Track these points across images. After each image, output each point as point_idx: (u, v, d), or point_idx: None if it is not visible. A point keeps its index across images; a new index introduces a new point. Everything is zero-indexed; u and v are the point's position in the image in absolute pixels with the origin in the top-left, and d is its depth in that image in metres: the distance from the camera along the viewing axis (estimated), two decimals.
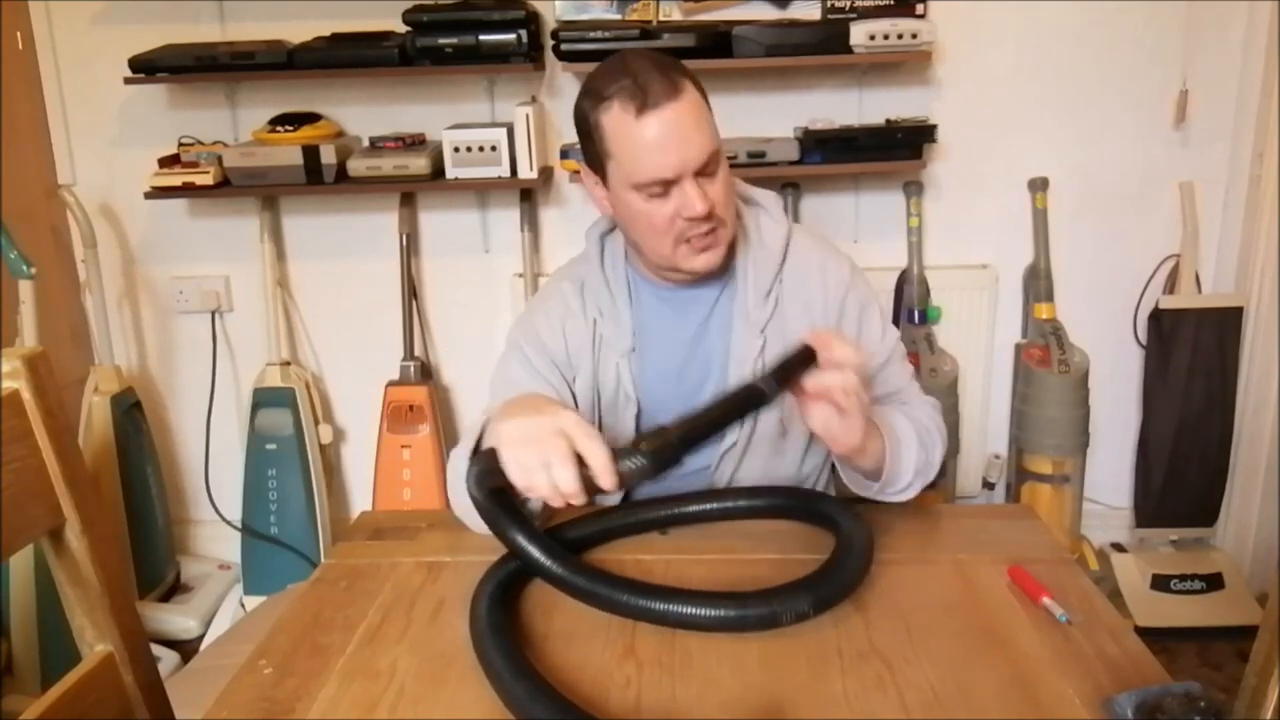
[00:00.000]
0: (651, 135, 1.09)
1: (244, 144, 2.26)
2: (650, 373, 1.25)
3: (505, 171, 2.21)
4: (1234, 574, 2.27)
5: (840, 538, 1.04)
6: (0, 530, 0.78)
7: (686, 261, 1.16)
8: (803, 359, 1.01)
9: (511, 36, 2.09)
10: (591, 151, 1.16)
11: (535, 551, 0.96)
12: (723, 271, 1.23)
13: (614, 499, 0.92)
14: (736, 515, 1.16)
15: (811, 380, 0.99)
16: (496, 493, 0.98)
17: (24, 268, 2.04)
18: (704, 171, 1.11)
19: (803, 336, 1.02)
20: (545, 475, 0.87)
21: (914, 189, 2.29)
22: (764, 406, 0.98)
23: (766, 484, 1.24)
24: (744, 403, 0.97)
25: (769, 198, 1.28)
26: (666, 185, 1.11)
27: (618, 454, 0.87)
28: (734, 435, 1.23)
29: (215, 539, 2.58)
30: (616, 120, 1.10)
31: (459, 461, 1.06)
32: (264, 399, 2.39)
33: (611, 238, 1.28)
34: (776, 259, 1.24)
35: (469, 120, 2.30)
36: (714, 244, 1.16)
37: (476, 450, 1.01)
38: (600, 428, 1.25)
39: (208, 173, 2.20)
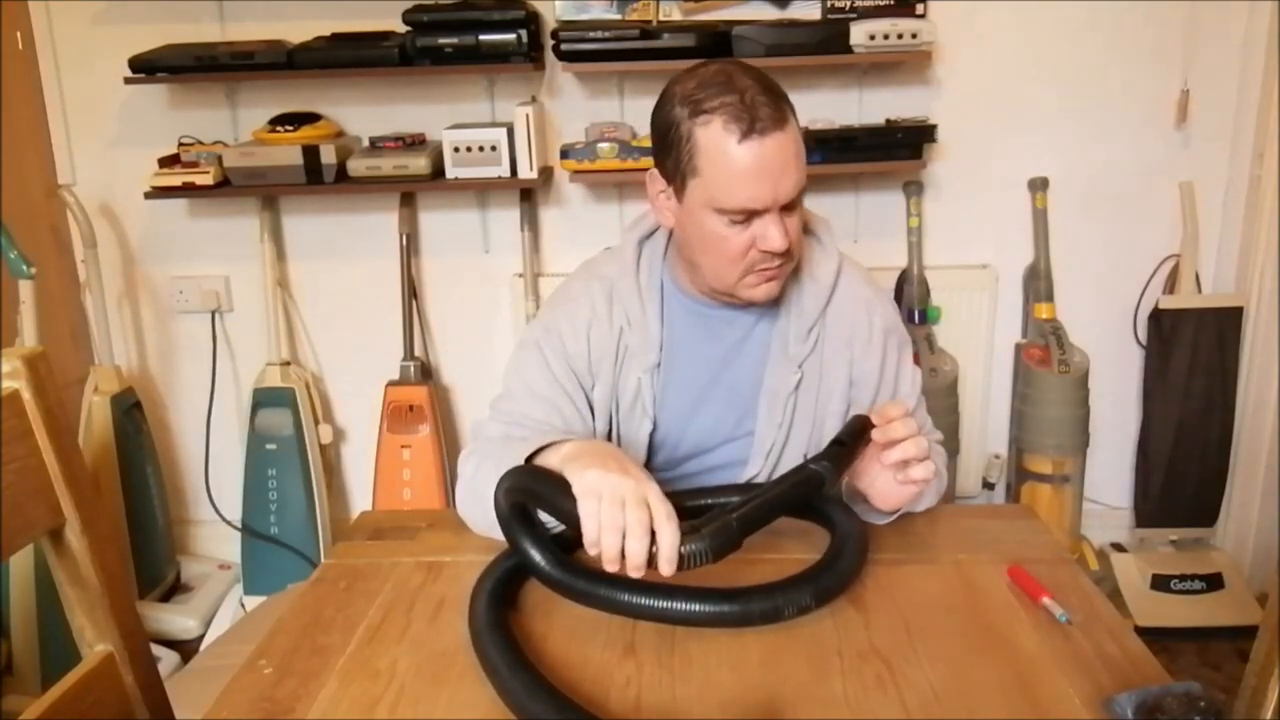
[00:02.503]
0: (750, 163, 1.04)
1: (244, 144, 2.26)
2: (673, 389, 1.22)
3: (505, 171, 2.21)
4: (1234, 574, 2.27)
5: (835, 533, 1.05)
6: (0, 530, 0.78)
7: (746, 291, 1.13)
8: (856, 435, 1.03)
9: (511, 36, 2.09)
10: (671, 161, 1.09)
11: (539, 557, 0.96)
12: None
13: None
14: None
15: (892, 455, 1.02)
16: (518, 506, 0.98)
17: (24, 268, 2.04)
18: (787, 205, 1.08)
19: (861, 413, 1.06)
20: (617, 540, 0.86)
21: (914, 189, 2.29)
22: (821, 490, 1.00)
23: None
24: (802, 487, 0.99)
25: (823, 225, 1.24)
26: (750, 215, 1.07)
27: (682, 535, 0.86)
28: (772, 437, 1.21)
29: (215, 539, 2.58)
30: (715, 139, 1.04)
31: (486, 468, 1.05)
32: (264, 399, 2.39)
33: (650, 243, 1.23)
34: (825, 294, 1.20)
35: (469, 120, 2.29)
36: (778, 277, 1.13)
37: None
38: (620, 439, 1.22)
39: (208, 173, 2.20)
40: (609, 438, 1.23)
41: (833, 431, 1.12)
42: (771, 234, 1.07)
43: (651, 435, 1.22)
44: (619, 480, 0.89)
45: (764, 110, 1.03)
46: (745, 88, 1.05)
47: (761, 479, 1.21)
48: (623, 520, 0.86)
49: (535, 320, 1.27)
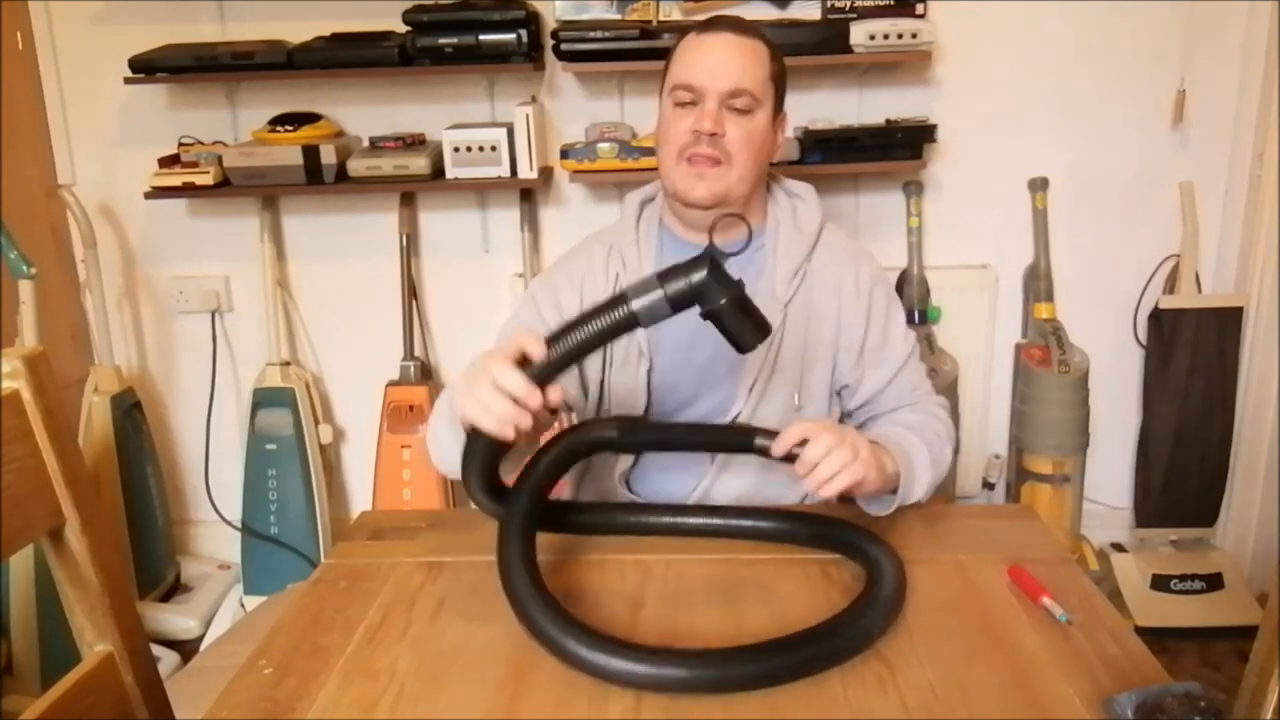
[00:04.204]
0: (698, 47, 1.21)
1: (244, 144, 2.26)
2: (666, 332, 1.25)
3: (505, 171, 2.21)
4: (1234, 574, 2.27)
5: (871, 567, 1.00)
6: (0, 530, 0.78)
7: (685, 182, 1.22)
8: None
9: (511, 36, 2.09)
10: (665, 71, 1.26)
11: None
12: (724, 219, 1.25)
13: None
14: (747, 535, 1.12)
15: (800, 462, 1.02)
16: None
17: (24, 268, 2.04)
18: (734, 107, 1.20)
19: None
20: (500, 399, 0.92)
21: (914, 189, 2.29)
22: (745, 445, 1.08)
23: (759, 492, 1.26)
24: (726, 432, 1.16)
25: (808, 190, 1.34)
26: (694, 97, 1.20)
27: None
28: (754, 374, 1.26)
29: (215, 539, 2.58)
30: (686, 39, 1.24)
31: (439, 416, 1.17)
32: (264, 399, 2.39)
33: (650, 205, 1.34)
34: (809, 241, 1.29)
35: (469, 120, 2.29)
36: (713, 176, 1.21)
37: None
38: (610, 385, 1.29)
39: (208, 173, 2.20)
40: (600, 394, 1.31)
41: (820, 376, 1.27)
42: (703, 113, 1.19)
43: (649, 377, 1.27)
44: (471, 369, 0.97)
45: (729, 23, 1.23)
46: (729, 18, 1.24)
47: (744, 418, 1.27)
48: (487, 377, 0.93)
49: (534, 281, 1.37)
